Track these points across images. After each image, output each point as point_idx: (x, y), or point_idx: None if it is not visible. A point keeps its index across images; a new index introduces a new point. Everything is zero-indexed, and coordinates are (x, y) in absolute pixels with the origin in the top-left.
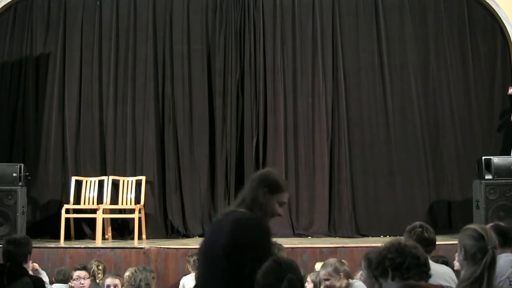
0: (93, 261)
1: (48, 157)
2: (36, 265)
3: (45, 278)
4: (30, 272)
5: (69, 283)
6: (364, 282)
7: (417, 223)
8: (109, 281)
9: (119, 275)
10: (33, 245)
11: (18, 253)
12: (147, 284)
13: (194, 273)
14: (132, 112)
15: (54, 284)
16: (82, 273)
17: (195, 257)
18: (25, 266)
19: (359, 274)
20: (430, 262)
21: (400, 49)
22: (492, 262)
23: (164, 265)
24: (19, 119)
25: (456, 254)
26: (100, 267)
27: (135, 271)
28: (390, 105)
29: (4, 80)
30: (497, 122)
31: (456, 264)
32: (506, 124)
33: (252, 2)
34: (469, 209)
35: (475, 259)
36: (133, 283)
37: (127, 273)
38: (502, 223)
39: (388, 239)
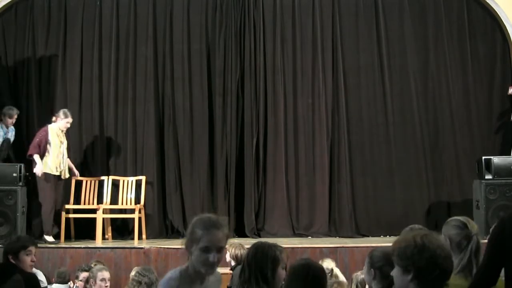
0: (92, 261)
1: None
2: None
3: (41, 277)
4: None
5: (70, 283)
6: (364, 276)
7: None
8: (100, 275)
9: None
10: None
11: (7, 250)
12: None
13: None
14: (132, 112)
15: (54, 284)
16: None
17: None
18: (16, 262)
19: (359, 272)
20: None
21: (400, 50)
22: (477, 249)
23: (164, 265)
24: (21, 119)
25: None
26: None
27: (142, 272)
28: (389, 105)
29: (6, 80)
30: (496, 122)
31: None
32: (506, 124)
33: (252, 2)
34: (468, 209)
35: (461, 247)
36: (146, 281)
37: (133, 273)
38: None
39: (388, 239)
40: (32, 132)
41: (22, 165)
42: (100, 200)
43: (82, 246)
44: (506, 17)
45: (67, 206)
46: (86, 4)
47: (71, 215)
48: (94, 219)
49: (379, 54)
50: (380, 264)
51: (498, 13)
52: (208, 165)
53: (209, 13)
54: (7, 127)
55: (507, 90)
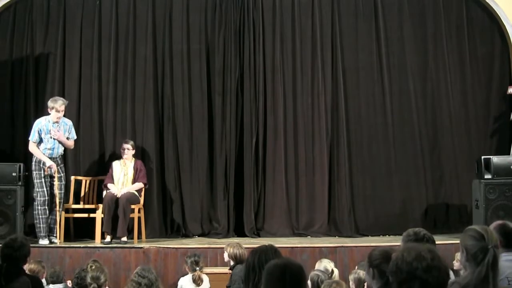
0: (90, 261)
1: None
2: None
3: None
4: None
5: (69, 282)
6: (365, 278)
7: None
8: None
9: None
10: (33, 245)
11: (19, 256)
12: (158, 287)
13: (191, 274)
14: (132, 111)
15: (51, 284)
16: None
17: (192, 259)
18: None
19: (359, 271)
20: None
21: (399, 49)
22: (495, 261)
23: (164, 264)
24: (20, 119)
25: (456, 254)
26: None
27: (142, 273)
28: (388, 105)
29: (4, 79)
30: (495, 122)
31: (456, 264)
32: (505, 124)
33: (252, 1)
34: (467, 209)
35: (477, 259)
36: (146, 282)
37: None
38: (510, 223)
39: (388, 238)
40: (30, 131)
41: (22, 164)
42: (99, 200)
43: (82, 246)
44: (506, 17)
45: (66, 206)
46: (85, 3)
47: (71, 215)
48: (94, 219)
49: (378, 54)
50: (378, 262)
51: (498, 13)
52: (207, 164)
53: (208, 13)
54: (56, 122)
55: (506, 90)
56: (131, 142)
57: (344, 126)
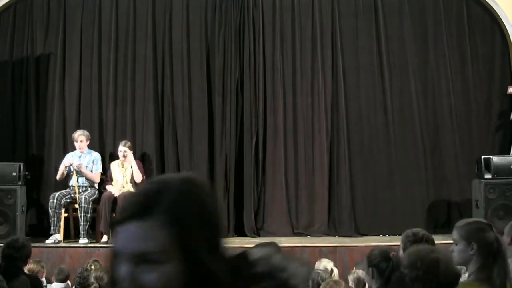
0: (90, 261)
1: (50, 156)
2: None
3: None
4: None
5: (69, 283)
6: (365, 278)
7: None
8: None
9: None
10: (33, 244)
11: (20, 257)
12: None
13: None
14: (132, 111)
15: (53, 283)
16: None
17: None
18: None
19: (358, 270)
20: None
21: (399, 49)
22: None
23: None
24: (20, 119)
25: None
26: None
27: None
28: (389, 104)
29: (4, 80)
30: (495, 121)
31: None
32: (505, 123)
33: (252, 1)
34: (468, 208)
35: (490, 249)
36: None
37: None
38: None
39: (388, 238)
40: (32, 132)
41: (22, 164)
42: (100, 200)
43: (82, 245)
44: (506, 16)
45: (67, 206)
46: (85, 3)
47: (71, 214)
48: (94, 219)
49: (378, 53)
50: (377, 261)
51: (498, 13)
52: (207, 164)
53: (208, 12)
54: (82, 152)
55: (506, 89)
56: (128, 144)
57: (344, 125)
